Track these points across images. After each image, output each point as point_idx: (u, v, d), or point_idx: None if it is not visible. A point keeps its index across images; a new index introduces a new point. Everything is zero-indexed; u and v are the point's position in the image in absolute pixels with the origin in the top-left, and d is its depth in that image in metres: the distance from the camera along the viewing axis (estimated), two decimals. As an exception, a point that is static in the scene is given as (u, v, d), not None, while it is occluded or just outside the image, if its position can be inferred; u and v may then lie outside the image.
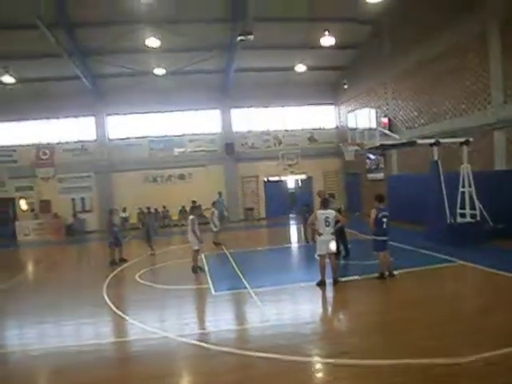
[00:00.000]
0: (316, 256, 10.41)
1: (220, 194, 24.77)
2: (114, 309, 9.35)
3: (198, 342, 7.07)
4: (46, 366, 6.76)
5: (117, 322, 8.61)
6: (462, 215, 14.95)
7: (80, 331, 8.32)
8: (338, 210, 12.45)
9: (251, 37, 17.14)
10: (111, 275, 13.09)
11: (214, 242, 17.21)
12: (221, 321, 8.47)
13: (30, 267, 17.63)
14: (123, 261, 14.95)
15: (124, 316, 8.79)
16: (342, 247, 13.26)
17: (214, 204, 17.88)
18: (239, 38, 17.50)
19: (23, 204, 26.18)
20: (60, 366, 6.73)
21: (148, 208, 20.80)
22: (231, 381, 5.86)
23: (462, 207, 14.88)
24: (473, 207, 14.49)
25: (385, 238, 10.44)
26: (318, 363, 6.09)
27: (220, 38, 21.68)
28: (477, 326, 6.97)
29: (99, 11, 18.59)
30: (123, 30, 20.02)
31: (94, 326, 8.56)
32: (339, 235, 12.88)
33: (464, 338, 6.50)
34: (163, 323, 8.32)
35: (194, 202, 17.01)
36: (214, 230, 17.26)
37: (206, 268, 13.03)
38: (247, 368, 6.16)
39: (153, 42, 19.70)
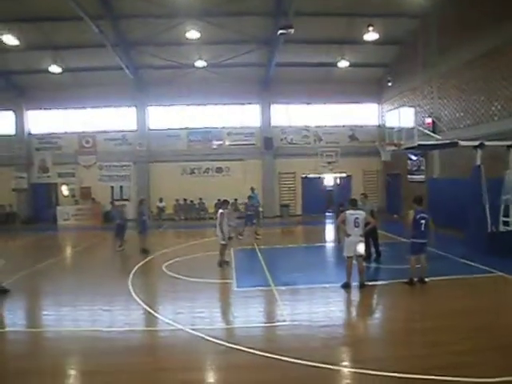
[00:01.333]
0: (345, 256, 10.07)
1: (253, 189, 24.57)
2: (135, 297, 9.39)
3: (210, 338, 6.93)
4: (57, 349, 6.81)
5: (135, 311, 8.61)
6: (505, 223, 14.14)
7: (97, 317, 8.38)
8: (371, 212, 12.08)
9: (292, 30, 16.79)
10: (140, 264, 13.23)
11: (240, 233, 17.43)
12: (237, 317, 8.33)
13: (66, 251, 18.10)
14: (147, 251, 14.98)
15: (143, 305, 8.80)
16: (373, 249, 12.84)
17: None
18: (280, 32, 17.19)
19: (65, 190, 27.01)
20: (71, 350, 6.81)
21: (141, 199, 17.82)
22: (236, 380, 5.69)
23: (506, 215, 14.08)
24: (517, 215, 13.70)
25: (422, 241, 9.96)
26: (329, 370, 5.77)
27: (261, 31, 21.52)
28: (508, 344, 6.46)
29: (142, 3, 18.76)
30: (165, 22, 20.21)
31: (111, 313, 8.64)
32: (371, 237, 12.55)
33: (493, 357, 6.00)
34: (179, 315, 8.23)
35: (225, 200, 16.02)
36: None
37: (233, 263, 12.90)
38: (255, 368, 5.97)
39: (193, 34, 19.71)
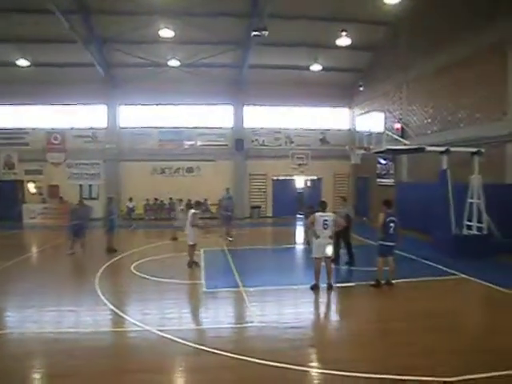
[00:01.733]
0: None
1: (228, 190, 24.63)
2: (102, 298, 9.25)
3: (178, 339, 6.89)
4: (21, 352, 6.62)
5: (101, 311, 8.47)
6: (469, 227, 14.58)
7: (63, 319, 8.19)
8: (346, 215, 12.20)
9: (266, 32, 16.92)
10: (107, 263, 13.04)
11: (172, 238, 17.53)
12: (206, 318, 8.33)
13: (31, 250, 17.63)
14: (114, 251, 14.87)
15: (110, 306, 8.68)
16: (343, 251, 13.03)
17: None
18: (254, 33, 17.27)
19: (32, 187, 26.33)
20: (34, 352, 6.66)
21: (110, 197, 17.77)
22: (200, 381, 5.69)
23: (469, 219, 14.52)
24: (480, 220, 14.13)
25: (390, 244, 10.17)
26: (296, 371, 5.81)
27: (235, 32, 21.55)
28: (470, 345, 6.68)
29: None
30: (139, 19, 20.00)
31: (76, 313, 8.47)
32: (343, 240, 12.76)
33: (455, 357, 6.20)
34: (147, 316, 8.15)
35: (198, 201, 15.87)
36: (176, 224, 17.35)
37: (203, 264, 12.85)
38: (222, 369, 5.96)
39: (167, 33, 19.56)
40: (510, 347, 6.55)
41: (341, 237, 12.52)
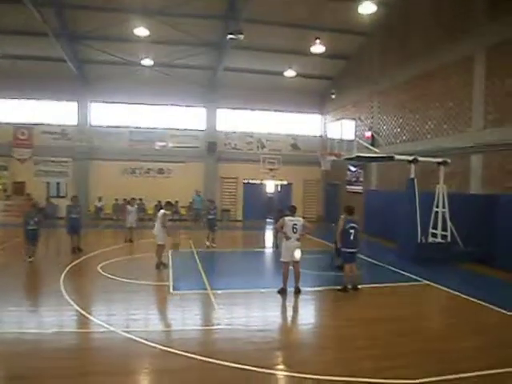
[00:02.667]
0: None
1: (197, 192, 24.61)
2: (67, 298, 9.06)
3: (144, 340, 6.82)
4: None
5: (66, 311, 8.29)
6: (434, 235, 14.99)
7: (25, 319, 7.99)
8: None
9: (241, 36, 16.98)
10: (73, 263, 12.79)
11: (125, 239, 17.25)
12: (172, 320, 8.29)
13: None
14: (79, 250, 14.59)
15: (75, 306, 8.50)
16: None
17: (131, 200, 17.88)
18: (229, 37, 17.31)
19: (-5, 184, 25.56)
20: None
21: (73, 196, 16.60)
22: (167, 383, 5.64)
23: (435, 227, 14.93)
24: (445, 228, 14.54)
25: (352, 250, 10.34)
26: (262, 373, 5.83)
27: (211, 34, 21.51)
28: (430, 348, 6.85)
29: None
30: (114, 17, 19.69)
31: (39, 314, 8.27)
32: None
33: (416, 360, 6.38)
34: (113, 317, 8.03)
35: (168, 202, 14.38)
36: (127, 226, 17.24)
37: (170, 265, 12.76)
38: (187, 371, 5.94)
39: (142, 31, 19.35)
40: (470, 349, 6.80)
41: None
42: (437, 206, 14.74)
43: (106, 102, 26.91)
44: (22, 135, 25.81)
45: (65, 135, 26.38)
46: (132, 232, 17.23)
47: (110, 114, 27.00)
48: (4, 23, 20.09)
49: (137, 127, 27.10)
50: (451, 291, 10.37)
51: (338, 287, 10.29)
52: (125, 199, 24.01)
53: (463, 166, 15.46)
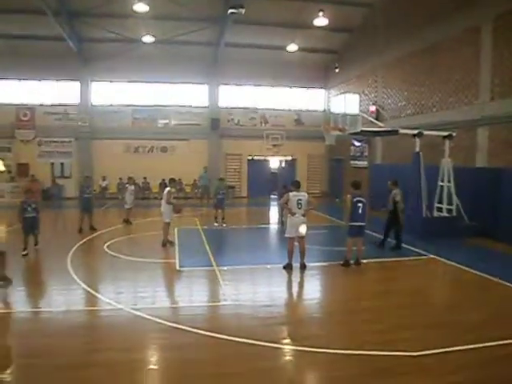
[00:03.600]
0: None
1: (205, 168, 24.68)
2: (74, 277, 9.15)
3: (151, 317, 6.90)
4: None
5: (74, 290, 8.38)
6: (439, 209, 14.93)
7: (34, 297, 8.10)
8: (393, 200, 12.13)
9: (242, 10, 16.72)
10: (80, 243, 12.90)
11: (124, 220, 16.68)
12: (179, 297, 8.38)
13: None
14: (93, 229, 14.72)
15: (83, 285, 8.59)
16: (392, 236, 12.44)
17: (129, 180, 17.15)
18: (230, 11, 17.04)
19: (0, 165, 25.54)
20: (2, 332, 6.56)
21: (86, 176, 17.17)
22: (174, 358, 5.72)
23: (440, 201, 14.87)
24: (450, 202, 14.47)
25: (359, 224, 10.31)
26: (268, 347, 5.91)
27: (212, 9, 21.18)
28: (435, 321, 6.91)
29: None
30: (112, -8, 19.40)
31: (48, 292, 8.38)
32: (392, 221, 12.26)
33: (421, 333, 6.43)
34: (120, 295, 8.15)
35: (172, 179, 14.34)
36: (126, 206, 16.67)
37: (177, 242, 12.84)
38: (196, 347, 6.01)
39: (141, 7, 19.03)
40: (474, 321, 6.83)
41: (391, 221, 12.30)
42: (442, 181, 14.66)
43: (108, 81, 26.69)
44: (24, 116, 25.72)
45: (67, 115, 26.26)
46: (130, 212, 16.81)
47: (112, 93, 26.80)
48: (1, 2, 19.80)
49: (139, 105, 26.93)
50: (456, 265, 10.40)
51: (341, 262, 10.34)
52: (120, 178, 24.06)
53: (469, 140, 15.29)
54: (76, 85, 26.13)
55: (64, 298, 8.02)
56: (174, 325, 6.61)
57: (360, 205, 10.23)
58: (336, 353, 5.70)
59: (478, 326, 6.68)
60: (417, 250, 12.05)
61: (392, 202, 12.19)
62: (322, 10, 19.52)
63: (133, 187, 17.14)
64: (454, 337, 6.21)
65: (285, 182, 16.21)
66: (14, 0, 19.42)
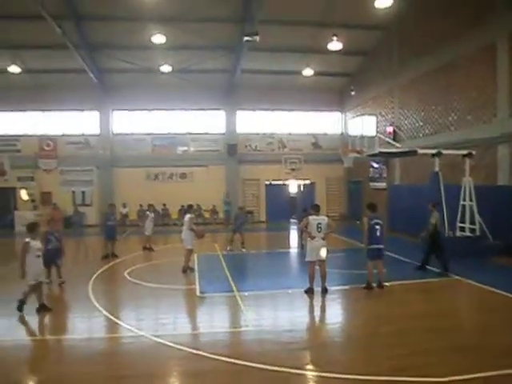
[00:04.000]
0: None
1: (227, 194, 24.77)
2: (96, 304, 9.19)
3: (173, 344, 6.86)
4: (13, 359, 6.55)
5: (95, 317, 8.41)
6: (462, 229, 14.69)
7: (55, 324, 8.14)
8: (434, 225, 11.81)
9: (257, 37, 16.97)
10: (101, 270, 12.99)
11: (144, 247, 16.66)
12: (200, 323, 8.32)
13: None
14: (114, 256, 14.85)
15: (104, 312, 8.61)
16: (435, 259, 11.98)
17: (149, 207, 17.64)
18: (245, 39, 17.32)
19: (24, 194, 26.11)
20: (26, 359, 6.60)
21: (110, 204, 17.00)
22: (197, 386, 5.67)
23: (462, 221, 14.63)
24: (473, 221, 14.25)
25: (378, 247, 10.20)
26: (290, 374, 5.80)
27: (227, 37, 21.63)
28: (463, 345, 6.69)
29: (107, 5, 18.54)
30: (131, 25, 20.04)
31: (70, 319, 8.41)
32: (432, 245, 11.87)
33: (447, 357, 6.23)
34: (141, 322, 8.14)
35: (190, 205, 14.83)
36: (146, 233, 16.73)
37: (196, 268, 12.83)
38: (217, 373, 5.94)
39: (159, 38, 19.58)
40: (501, 347, 6.58)
41: (431, 244, 11.93)
42: (464, 199, 14.45)
43: (127, 110, 27.36)
44: (47, 146, 26.43)
45: (88, 144, 26.91)
46: (150, 239, 16.92)
47: (132, 122, 27.45)
48: (25, 39, 20.72)
49: (158, 133, 27.42)
50: (482, 286, 10.14)
51: (363, 285, 10.18)
52: (141, 205, 24.23)
53: (489, 158, 15.10)
54: (97, 114, 26.83)
55: (86, 326, 8.06)
56: (196, 351, 6.55)
57: (378, 227, 10.15)
58: (359, 379, 5.55)
59: (508, 350, 6.43)
60: (440, 271, 11.78)
61: (432, 225, 11.88)
62: (335, 35, 19.77)
63: (153, 214, 17.30)
64: (482, 362, 5.98)
65: (305, 206, 16.16)
66: (37, 36, 20.16)
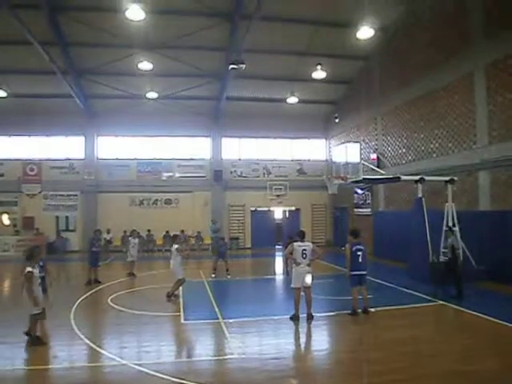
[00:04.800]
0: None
1: (213, 221, 24.50)
2: (77, 331, 8.99)
3: (156, 373, 6.72)
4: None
5: (76, 345, 8.21)
6: (445, 254, 14.77)
7: (35, 353, 7.90)
8: (452, 247, 12.40)
9: (243, 66, 17.25)
10: (84, 296, 12.76)
11: (129, 273, 16.40)
12: (184, 351, 8.17)
13: (3, 283, 17.13)
14: (97, 282, 14.61)
15: (86, 340, 8.43)
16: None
17: (132, 233, 17.18)
18: (231, 67, 17.60)
19: (5, 219, 25.69)
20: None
21: (96, 230, 16.94)
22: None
23: (445, 246, 14.73)
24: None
25: (360, 273, 10.25)
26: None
27: (213, 65, 21.97)
28: (448, 370, 6.69)
29: (94, 32, 18.71)
30: (118, 52, 20.30)
31: (51, 348, 8.17)
32: (451, 271, 12.05)
33: (441, 382, 6.23)
34: (124, 350, 7.97)
35: (175, 235, 14.39)
36: (128, 260, 16.62)
37: (181, 295, 12.67)
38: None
39: (146, 65, 19.77)
40: (486, 372, 6.61)
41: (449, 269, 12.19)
42: (447, 225, 14.61)
43: (113, 135, 27.35)
44: (30, 171, 26.22)
45: (73, 169, 26.74)
46: (133, 265, 16.66)
47: (117, 147, 27.41)
48: (12, 63, 20.78)
49: (143, 159, 27.40)
50: (466, 310, 10.22)
51: (348, 311, 10.16)
52: (125, 231, 23.94)
53: (471, 184, 15.42)
54: (81, 139, 26.75)
55: (66, 354, 7.84)
56: (180, 380, 6.43)
57: (359, 253, 10.25)
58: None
59: (493, 376, 6.45)
60: (425, 296, 11.85)
61: (450, 250, 12.15)
62: (319, 64, 20.20)
63: (136, 240, 17.02)
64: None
65: (290, 233, 16.18)
66: (24, 61, 20.25)
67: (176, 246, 12.65)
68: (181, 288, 13.47)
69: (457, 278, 11.91)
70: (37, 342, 8.17)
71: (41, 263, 10.85)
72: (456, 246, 12.40)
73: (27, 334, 8.26)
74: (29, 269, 8.25)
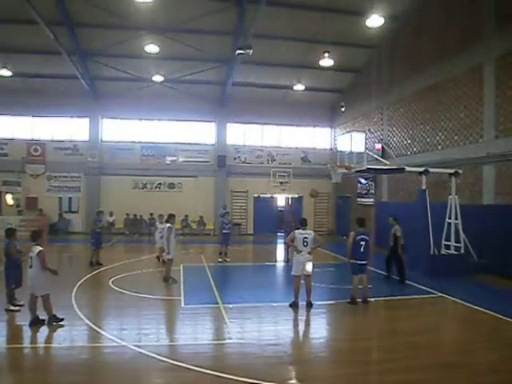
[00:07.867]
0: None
1: (225, 207, 24.21)
2: (78, 312, 9.06)
3: (155, 355, 6.77)
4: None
5: (77, 326, 8.28)
6: (447, 247, 14.80)
7: (36, 332, 7.96)
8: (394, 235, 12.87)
9: (250, 51, 17.11)
10: (85, 278, 12.83)
11: (157, 257, 15.79)
12: (183, 334, 8.20)
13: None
14: (99, 264, 14.69)
15: (86, 320, 8.49)
16: (394, 270, 13.11)
17: (159, 218, 16.30)
18: (238, 52, 17.45)
19: (9, 199, 25.75)
20: (5, 368, 6.45)
21: (99, 211, 16.19)
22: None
23: (447, 239, 14.75)
24: (458, 239, 14.34)
25: (362, 262, 10.25)
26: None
27: (220, 50, 21.79)
28: (446, 362, 6.70)
29: (101, 13, 18.54)
30: (124, 34, 20.13)
31: (52, 327, 8.22)
32: (391, 256, 13.01)
33: (430, 374, 6.24)
34: (124, 332, 8.02)
35: (172, 214, 13.20)
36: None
37: (182, 279, 12.73)
38: (199, 386, 5.88)
39: (153, 48, 19.65)
40: (483, 365, 6.65)
41: (391, 256, 13.05)
42: (449, 218, 14.59)
43: (117, 118, 27.27)
44: (35, 151, 26.22)
45: (77, 151, 26.74)
46: (160, 250, 15.23)
47: (121, 130, 27.33)
48: (17, 43, 20.63)
49: (147, 142, 27.34)
50: (465, 303, 10.21)
51: (348, 300, 10.19)
52: (127, 214, 23.75)
53: (475, 177, 15.34)
54: (86, 121, 26.68)
55: (67, 334, 7.90)
56: (177, 363, 6.48)
57: (362, 243, 10.21)
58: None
59: (492, 368, 6.47)
60: (425, 288, 11.87)
61: (393, 238, 12.64)
62: (327, 52, 19.99)
63: (164, 226, 14.02)
64: (465, 379, 6.04)
65: (291, 219, 16.19)
66: (30, 40, 20.13)
67: (168, 225, 12.60)
68: (182, 272, 13.59)
69: (399, 265, 12.76)
70: (54, 320, 8.29)
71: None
72: (398, 234, 12.77)
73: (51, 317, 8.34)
74: (40, 248, 8.43)
